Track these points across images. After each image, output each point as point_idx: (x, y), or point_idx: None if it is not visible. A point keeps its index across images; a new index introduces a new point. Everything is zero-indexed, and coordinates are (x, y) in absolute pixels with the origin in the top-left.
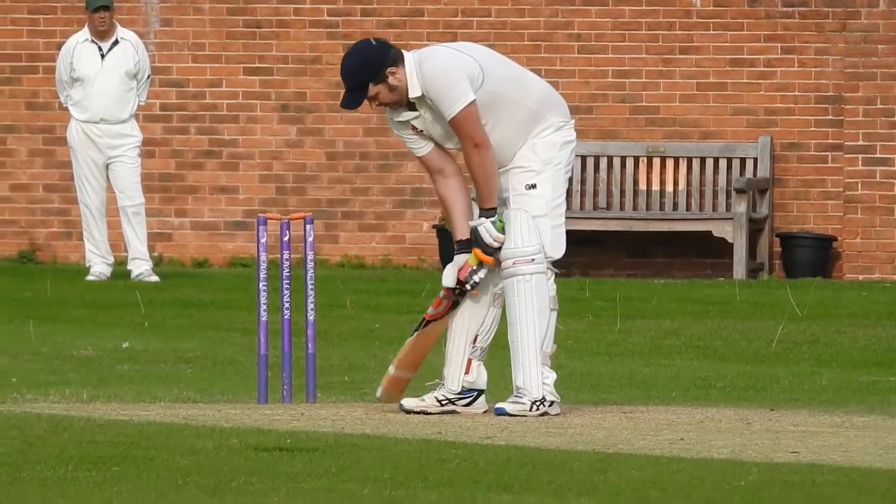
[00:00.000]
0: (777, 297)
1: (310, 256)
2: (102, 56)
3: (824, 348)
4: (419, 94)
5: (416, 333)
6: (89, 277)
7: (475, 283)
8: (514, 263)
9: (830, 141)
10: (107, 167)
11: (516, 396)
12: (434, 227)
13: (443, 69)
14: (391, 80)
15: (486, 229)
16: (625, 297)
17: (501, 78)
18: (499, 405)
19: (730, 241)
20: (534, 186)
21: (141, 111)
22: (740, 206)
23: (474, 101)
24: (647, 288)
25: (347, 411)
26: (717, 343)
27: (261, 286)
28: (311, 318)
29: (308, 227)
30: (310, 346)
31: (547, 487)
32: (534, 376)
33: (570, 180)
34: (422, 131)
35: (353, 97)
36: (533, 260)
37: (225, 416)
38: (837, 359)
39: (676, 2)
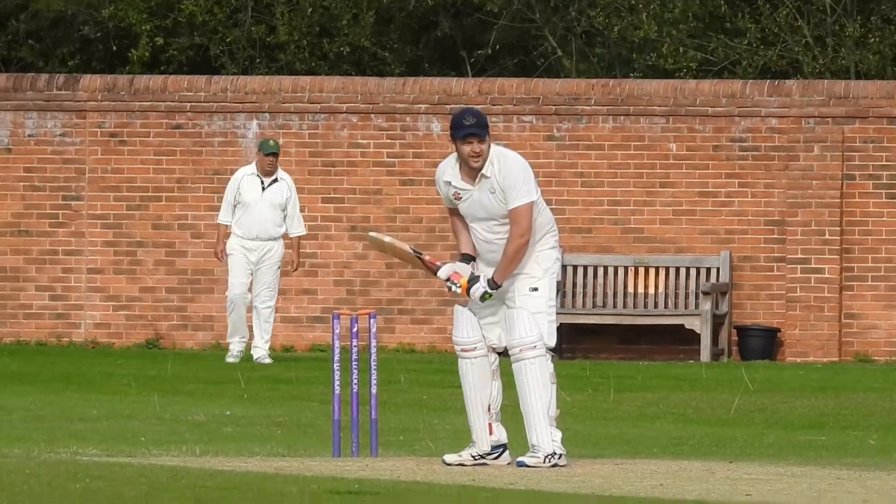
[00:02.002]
0: (734, 375)
1: (373, 343)
2: (263, 188)
3: (771, 414)
4: (489, 175)
5: (413, 251)
6: (229, 358)
7: (451, 288)
8: (520, 351)
9: (776, 254)
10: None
11: (532, 452)
12: None
13: (523, 166)
14: (485, 144)
15: (480, 287)
16: (616, 375)
17: (538, 197)
18: (519, 459)
19: (698, 332)
20: (536, 289)
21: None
22: (706, 305)
23: (535, 201)
24: (634, 368)
25: (402, 463)
26: (688, 410)
27: (334, 366)
28: (374, 391)
29: (372, 321)
30: (373, 412)
31: None
32: (544, 435)
33: (575, 284)
34: (459, 199)
35: (482, 130)
36: (535, 347)
37: (307, 468)
38: (781, 422)
39: (657, 147)
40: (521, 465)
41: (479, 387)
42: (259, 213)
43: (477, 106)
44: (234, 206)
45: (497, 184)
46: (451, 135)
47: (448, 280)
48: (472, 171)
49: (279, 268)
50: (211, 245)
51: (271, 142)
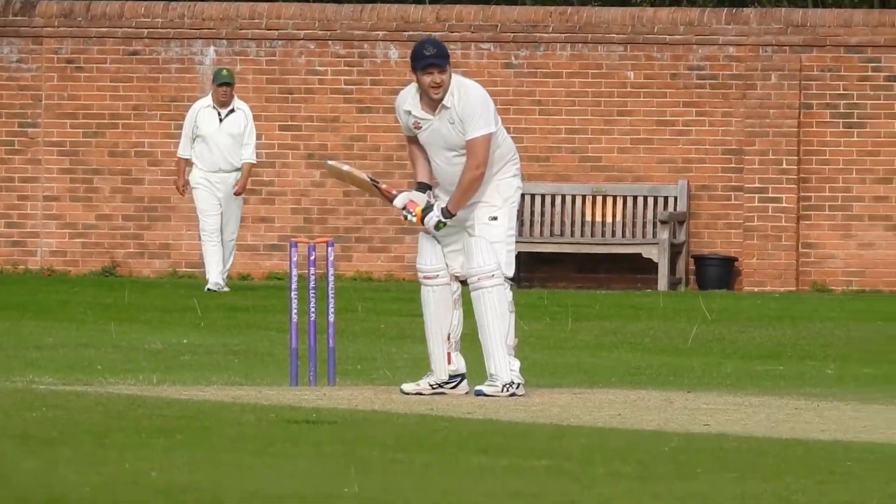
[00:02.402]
0: (692, 304)
1: (331, 272)
2: (220, 120)
3: (728, 344)
4: (449, 105)
5: (370, 180)
6: (209, 287)
7: (406, 217)
8: (478, 279)
9: (733, 183)
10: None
11: (490, 381)
12: None
13: (483, 97)
14: (446, 74)
15: (434, 216)
16: (574, 304)
17: (498, 127)
18: (477, 388)
19: (655, 261)
20: (495, 218)
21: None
22: (664, 234)
23: (493, 133)
24: (592, 297)
25: (360, 392)
26: (645, 340)
27: (292, 295)
28: (331, 319)
29: (329, 249)
30: (330, 341)
31: (515, 451)
32: (503, 365)
33: (533, 212)
34: (419, 129)
35: (443, 61)
36: (493, 276)
37: (264, 396)
38: (738, 352)
39: (615, 75)
40: (479, 394)
41: (439, 315)
42: (218, 144)
43: (435, 33)
44: (194, 139)
45: (456, 114)
46: (412, 65)
47: (404, 209)
48: (432, 101)
49: (244, 199)
50: (168, 172)
51: (224, 71)
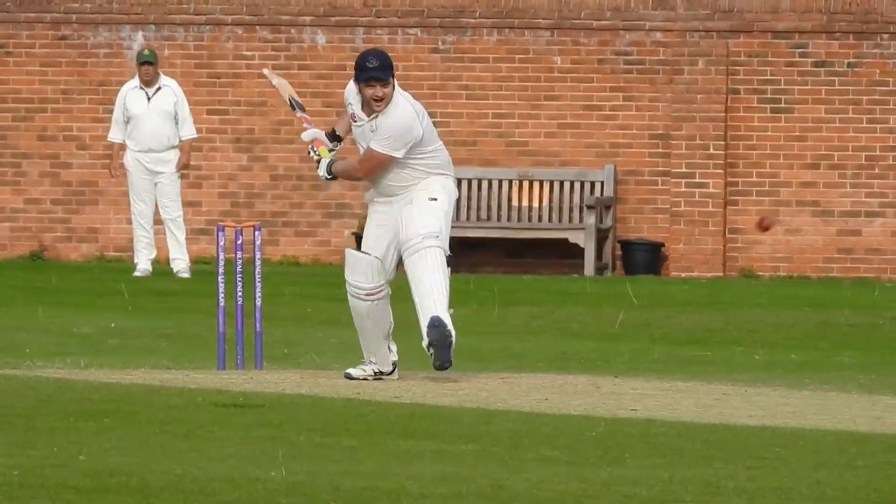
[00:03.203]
0: (619, 289)
1: (258, 256)
2: (149, 99)
3: (656, 329)
4: (381, 119)
5: (291, 102)
6: (136, 273)
7: (310, 153)
8: (422, 239)
9: (660, 168)
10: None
11: (441, 328)
12: (353, 234)
13: (406, 125)
14: (389, 87)
15: (323, 167)
16: (501, 289)
17: (436, 143)
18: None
19: (582, 246)
20: (435, 199)
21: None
22: (590, 219)
23: (394, 159)
24: (519, 282)
25: (287, 376)
26: (573, 325)
27: (219, 279)
28: (258, 303)
29: (257, 233)
30: (258, 325)
31: (442, 435)
32: (445, 315)
33: (460, 197)
34: (354, 122)
35: (386, 73)
36: (437, 237)
37: (192, 380)
38: (666, 338)
39: (541, 60)
40: (438, 323)
41: (380, 322)
42: (148, 124)
43: (363, 18)
44: (127, 122)
45: (376, 123)
46: (355, 76)
47: (310, 144)
48: (371, 109)
49: (180, 177)
50: (97, 156)
51: (146, 51)
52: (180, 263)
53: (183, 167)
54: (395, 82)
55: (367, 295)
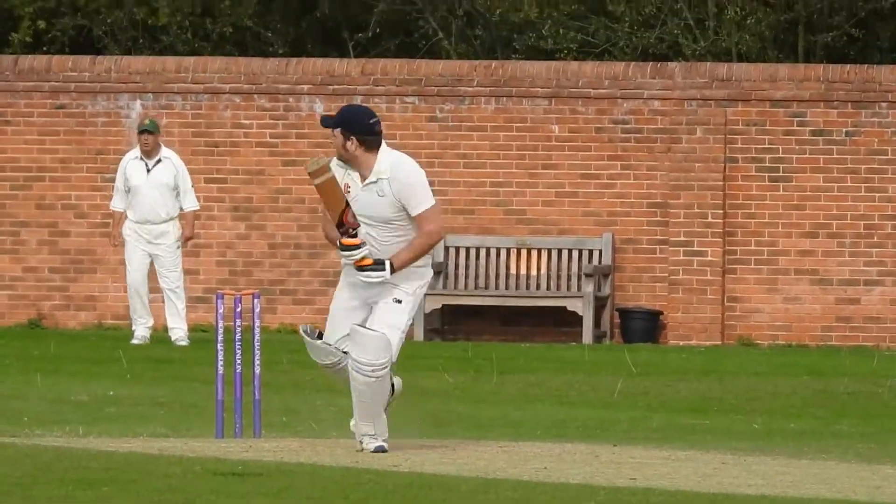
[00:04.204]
0: (617, 358)
1: (257, 324)
2: (148, 171)
3: (654, 398)
4: (374, 180)
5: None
6: (134, 341)
7: (355, 258)
8: (372, 371)
9: (658, 237)
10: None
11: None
12: None
13: (417, 174)
14: (348, 144)
15: (381, 276)
16: (499, 356)
17: None
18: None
19: (580, 314)
20: (399, 301)
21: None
22: (588, 287)
23: (436, 205)
24: (517, 350)
25: (285, 444)
26: (571, 393)
27: (218, 346)
28: (257, 371)
29: (256, 301)
30: (256, 393)
31: None
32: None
33: (457, 265)
34: (347, 192)
35: (329, 122)
36: (384, 368)
37: (190, 448)
38: (664, 406)
39: (539, 129)
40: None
41: (384, 392)
42: (147, 195)
43: (361, 87)
44: (127, 191)
45: (390, 189)
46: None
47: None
48: (360, 168)
49: (179, 247)
50: (94, 225)
51: (147, 120)
52: (178, 332)
53: (187, 239)
54: (373, 150)
55: (372, 371)
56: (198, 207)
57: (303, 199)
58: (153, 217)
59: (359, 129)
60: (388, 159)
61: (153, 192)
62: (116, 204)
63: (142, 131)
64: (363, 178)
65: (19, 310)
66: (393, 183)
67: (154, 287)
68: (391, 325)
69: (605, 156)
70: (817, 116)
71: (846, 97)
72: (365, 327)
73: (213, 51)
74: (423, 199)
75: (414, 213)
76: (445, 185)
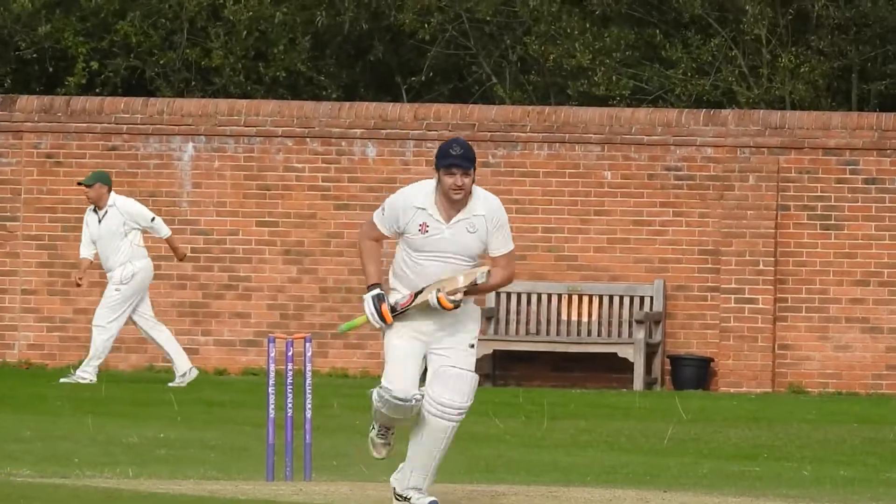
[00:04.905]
0: (667, 404)
1: (308, 368)
2: (99, 221)
3: (704, 444)
4: (467, 216)
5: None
6: (180, 382)
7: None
8: (458, 413)
9: (710, 284)
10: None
11: (420, 495)
12: None
13: (501, 209)
14: (469, 179)
15: (455, 301)
16: (550, 402)
17: None
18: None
19: (631, 360)
20: (472, 346)
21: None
22: (640, 334)
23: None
24: (567, 396)
25: (336, 488)
26: (621, 439)
27: (270, 389)
28: (308, 415)
29: (308, 345)
30: (307, 437)
31: None
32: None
33: (508, 311)
34: (423, 232)
35: (468, 163)
36: (465, 412)
37: (241, 491)
38: (715, 453)
39: (592, 175)
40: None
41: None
42: (100, 245)
43: (413, 131)
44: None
45: (485, 224)
46: (436, 163)
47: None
48: (451, 205)
49: (117, 289)
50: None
51: (89, 174)
52: (80, 369)
53: (182, 256)
54: (474, 177)
55: (458, 414)
56: (169, 234)
57: (354, 242)
58: (106, 265)
59: (475, 162)
60: (482, 196)
61: (103, 242)
62: (81, 252)
63: (80, 184)
64: (449, 216)
65: (70, 351)
66: (489, 220)
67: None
68: (470, 368)
69: (658, 202)
70: (870, 164)
71: None
72: (458, 368)
73: (265, 94)
74: (509, 241)
75: (498, 252)
76: None
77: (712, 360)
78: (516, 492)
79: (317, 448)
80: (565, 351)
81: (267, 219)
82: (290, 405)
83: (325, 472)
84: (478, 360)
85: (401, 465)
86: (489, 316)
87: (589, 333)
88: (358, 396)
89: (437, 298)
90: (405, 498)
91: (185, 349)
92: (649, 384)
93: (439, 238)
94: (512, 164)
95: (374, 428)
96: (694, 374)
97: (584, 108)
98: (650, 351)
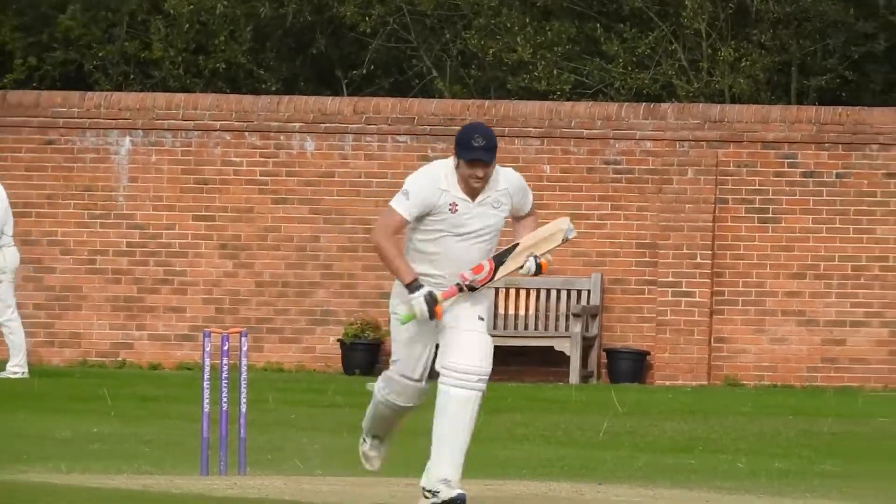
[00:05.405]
0: (603, 397)
1: (244, 362)
2: None
3: (640, 438)
4: (490, 194)
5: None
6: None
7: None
8: (478, 379)
9: (647, 277)
10: None
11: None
12: (338, 340)
13: (522, 180)
14: (491, 167)
15: (533, 266)
16: (487, 396)
17: None
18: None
19: (567, 354)
20: (482, 319)
21: (111, 247)
22: (576, 328)
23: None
24: (504, 390)
25: (270, 482)
26: (557, 433)
27: (204, 384)
28: (243, 409)
29: (243, 339)
30: (242, 431)
31: None
32: (459, 471)
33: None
34: (454, 211)
35: (491, 155)
36: (485, 380)
37: (175, 485)
38: (650, 446)
39: (531, 169)
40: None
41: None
42: None
43: (353, 125)
44: None
45: (509, 195)
46: (456, 150)
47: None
48: (472, 187)
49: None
50: (80, 262)
51: None
52: (10, 364)
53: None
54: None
55: (479, 381)
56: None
57: (291, 236)
58: None
59: (496, 150)
60: (499, 170)
61: None
62: None
63: None
64: (474, 195)
65: (3, 346)
66: (513, 193)
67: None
68: (484, 332)
69: (596, 196)
70: (808, 158)
71: (837, 139)
72: (472, 331)
73: (204, 87)
74: (530, 197)
75: (527, 209)
76: None
77: (648, 353)
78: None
79: (251, 442)
80: (502, 345)
81: (204, 213)
82: (224, 400)
83: (259, 467)
84: None
85: (427, 466)
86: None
87: (526, 327)
88: (293, 390)
89: (539, 264)
90: (434, 492)
91: (119, 343)
92: (585, 378)
93: (469, 217)
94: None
95: (365, 441)
96: (630, 367)
97: (523, 102)
98: (587, 344)
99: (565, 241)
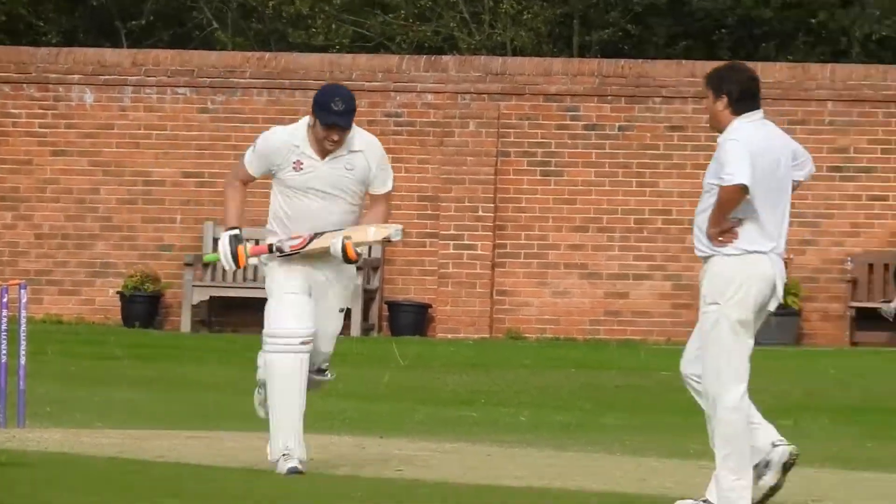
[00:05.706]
0: (385, 350)
1: (23, 314)
2: None
3: (422, 390)
4: (344, 153)
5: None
6: None
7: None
8: (326, 365)
9: (429, 230)
10: None
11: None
12: (117, 292)
13: (380, 147)
14: (348, 132)
15: (340, 245)
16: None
17: None
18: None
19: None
20: (342, 311)
21: None
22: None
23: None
24: None
25: (50, 435)
26: (338, 385)
27: None
28: (22, 361)
29: (22, 291)
30: (21, 383)
31: (208, 495)
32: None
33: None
34: (298, 170)
35: (349, 119)
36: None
37: None
38: (432, 398)
39: None
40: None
41: (304, 388)
42: None
43: (132, 77)
44: None
45: (366, 161)
46: (314, 109)
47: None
48: (325, 149)
49: None
50: None
51: None
52: None
53: None
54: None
55: (301, 343)
56: None
57: (70, 189)
58: None
59: (354, 113)
60: (357, 131)
61: None
62: None
63: None
64: (325, 153)
65: None
66: (370, 157)
67: None
68: (334, 336)
69: None
70: (590, 111)
71: (620, 92)
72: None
73: None
74: (391, 179)
75: (381, 190)
76: (215, 177)
77: (430, 306)
78: (233, 438)
79: (30, 394)
80: None
81: None
82: (3, 352)
83: (38, 419)
84: (194, 307)
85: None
86: (205, 263)
87: None
88: (73, 343)
89: (344, 245)
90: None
91: None
92: (367, 330)
93: (314, 175)
94: (231, 109)
95: (260, 392)
96: (412, 320)
97: (304, 55)
98: (368, 297)
99: (388, 241)
